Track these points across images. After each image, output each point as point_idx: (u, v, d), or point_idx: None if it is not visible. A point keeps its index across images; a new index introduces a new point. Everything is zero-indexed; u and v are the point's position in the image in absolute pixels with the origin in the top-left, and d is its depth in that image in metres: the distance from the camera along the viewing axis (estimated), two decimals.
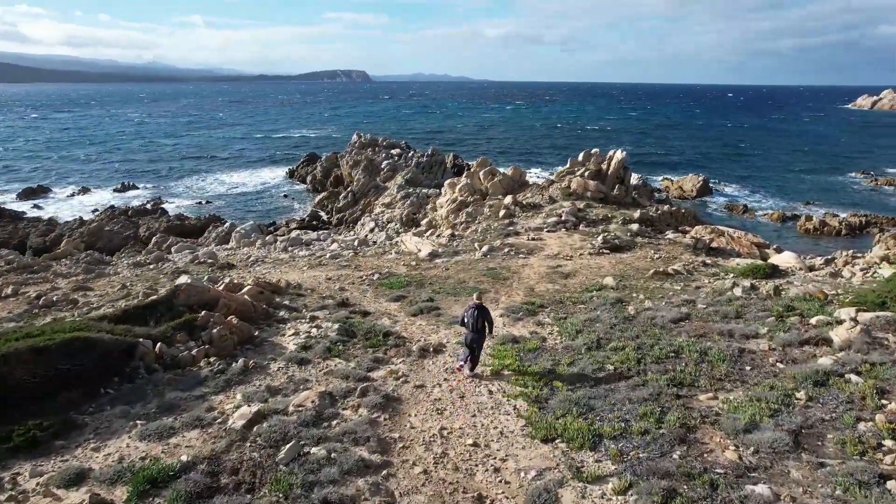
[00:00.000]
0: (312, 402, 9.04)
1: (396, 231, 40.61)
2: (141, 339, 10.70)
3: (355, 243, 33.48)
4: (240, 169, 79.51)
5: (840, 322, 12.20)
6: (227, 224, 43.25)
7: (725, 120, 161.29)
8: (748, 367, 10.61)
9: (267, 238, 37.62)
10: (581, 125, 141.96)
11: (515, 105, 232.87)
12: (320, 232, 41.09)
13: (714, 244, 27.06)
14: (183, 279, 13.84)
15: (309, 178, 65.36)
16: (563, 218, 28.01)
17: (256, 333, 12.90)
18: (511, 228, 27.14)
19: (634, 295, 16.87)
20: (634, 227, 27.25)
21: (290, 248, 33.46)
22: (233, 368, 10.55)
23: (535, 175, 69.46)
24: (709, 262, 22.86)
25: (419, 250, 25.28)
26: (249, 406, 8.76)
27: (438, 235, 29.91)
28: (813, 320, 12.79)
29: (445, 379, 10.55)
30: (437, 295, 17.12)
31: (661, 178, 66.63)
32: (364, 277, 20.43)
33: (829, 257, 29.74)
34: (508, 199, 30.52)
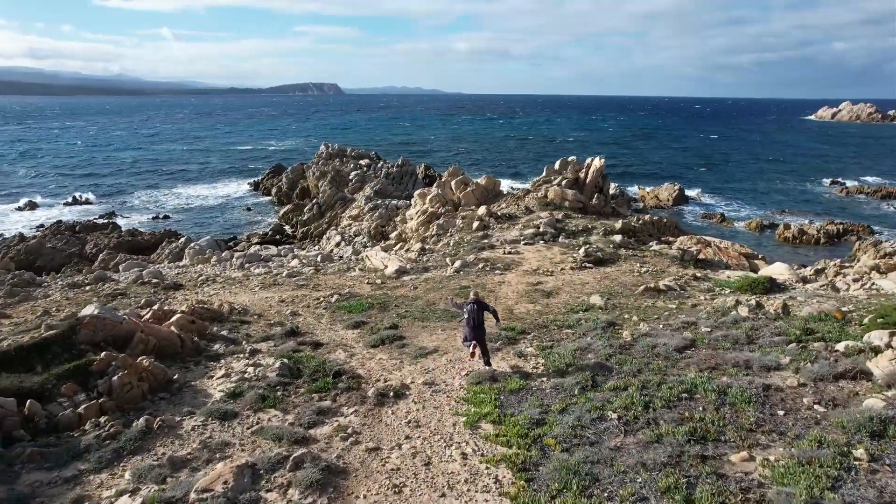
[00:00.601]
0: (225, 483, 6.68)
1: (364, 245, 38.28)
2: None
3: (318, 259, 31.03)
4: (202, 182, 76.16)
5: (875, 350, 10.35)
6: (182, 239, 40.31)
7: (695, 131, 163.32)
8: (781, 412, 8.61)
9: (223, 254, 34.87)
10: (552, 137, 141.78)
11: (487, 117, 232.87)
12: (282, 247, 38.46)
13: (701, 255, 25.42)
14: (89, 309, 11.30)
15: (274, 191, 62.53)
16: (541, 229, 26.09)
17: (176, 376, 10.45)
18: (485, 241, 25.08)
19: (626, 316, 14.89)
20: (617, 238, 25.46)
21: (246, 265, 30.86)
22: (130, 431, 8.10)
23: (509, 187, 68.01)
24: (699, 275, 21.16)
25: (385, 266, 23.02)
26: (134, 497, 6.35)
27: (407, 250, 27.70)
28: (840, 346, 10.92)
29: (407, 437, 8.29)
30: (402, 320, 14.87)
31: (635, 187, 65.68)
32: (322, 299, 18.09)
33: (819, 267, 28.42)
34: (482, 210, 28.52)
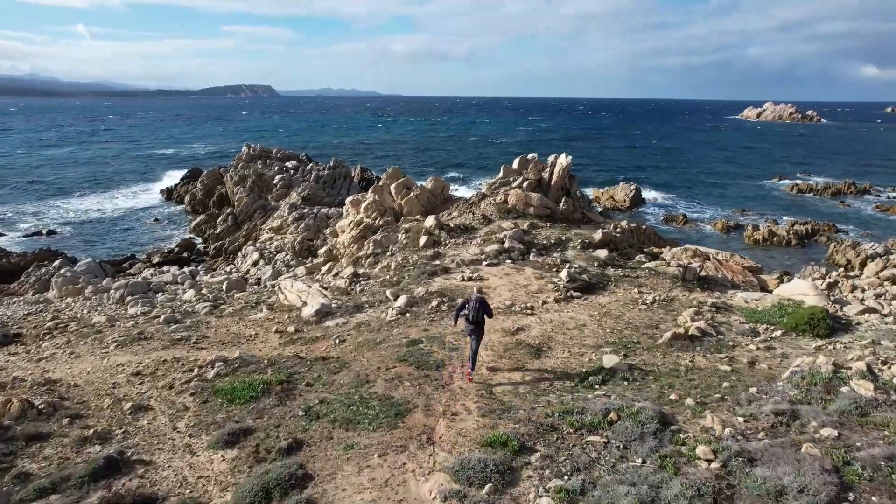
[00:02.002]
0: None
1: (287, 263, 31.72)
2: None
3: (223, 287, 24.35)
4: (105, 190, 66.49)
5: None
6: (57, 262, 32.37)
7: (637, 130, 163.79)
8: None
9: (103, 282, 27.48)
10: (495, 137, 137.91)
11: (426, 118, 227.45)
12: (184, 270, 31.28)
13: (702, 272, 20.61)
14: None
15: (188, 198, 54.39)
16: (506, 245, 20.55)
17: None
18: (437, 264, 19.30)
19: (674, 396, 9.48)
20: (601, 254, 20.28)
21: (127, 299, 23.79)
22: None
23: (456, 191, 62.65)
24: (717, 302, 16.23)
25: (303, 304, 16.84)
26: None
27: (337, 274, 21.54)
28: None
29: None
30: (313, 426, 8.82)
31: (589, 189, 61.70)
32: (197, 371, 11.79)
33: (831, 281, 24.32)
34: (430, 221, 22.73)
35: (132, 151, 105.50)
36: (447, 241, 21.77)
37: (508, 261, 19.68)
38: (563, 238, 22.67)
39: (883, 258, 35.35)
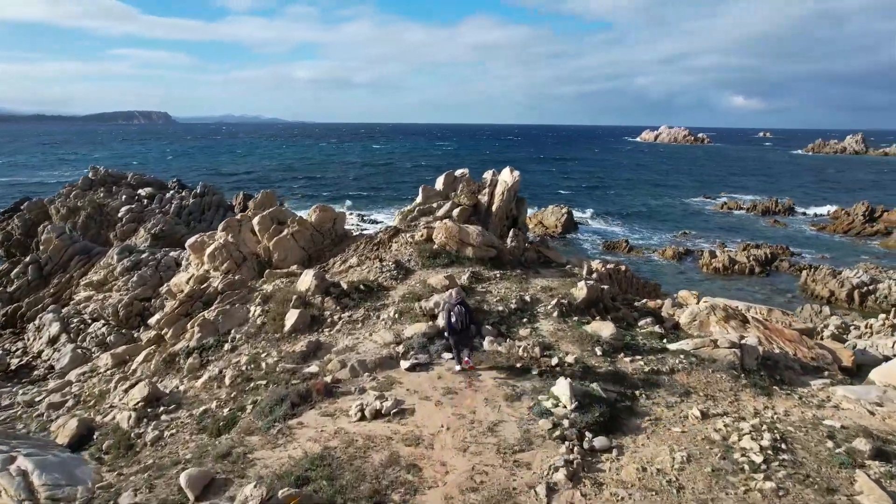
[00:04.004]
0: None
1: (101, 341, 20.89)
2: None
3: None
4: None
5: None
6: None
7: (549, 153, 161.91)
8: None
9: None
10: (402, 161, 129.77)
11: (328, 143, 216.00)
12: None
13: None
14: None
15: (1, 238, 40.84)
16: (439, 320, 11.61)
17: None
18: (313, 371, 9.98)
19: None
20: (605, 330, 11.79)
21: None
22: None
23: (355, 222, 53.26)
24: (833, 424, 8.23)
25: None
26: None
27: (129, 388, 11.51)
28: None
29: None
30: None
31: None
32: None
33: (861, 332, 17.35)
34: (308, 281, 13.29)
35: None
36: (336, 317, 12.41)
37: (447, 354, 10.70)
38: (527, 297, 14.04)
39: (871, 286, 29.99)
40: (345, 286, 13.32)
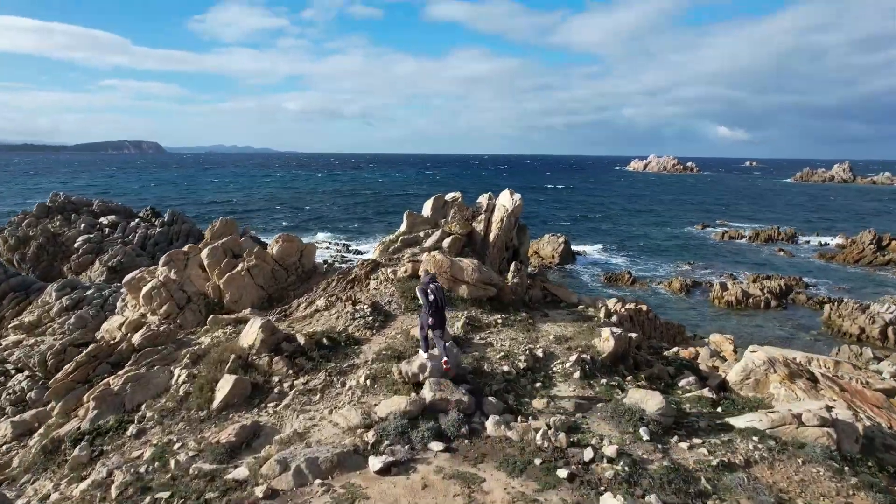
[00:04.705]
0: None
1: (21, 398, 17.35)
2: None
3: None
4: None
5: None
6: None
7: (541, 183, 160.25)
8: None
9: None
10: (390, 189, 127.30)
11: (316, 172, 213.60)
12: None
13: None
14: None
15: None
16: (426, 392, 8.43)
17: None
18: (238, 475, 6.71)
19: None
20: (652, 402, 8.65)
21: None
22: None
23: (329, 248, 50.14)
24: None
25: None
26: None
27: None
28: None
29: None
30: None
31: None
32: None
33: None
34: (253, 333, 10.09)
35: None
36: (287, 385, 9.21)
37: (436, 445, 7.51)
38: (538, 351, 10.95)
39: None
40: (302, 341, 10.13)
